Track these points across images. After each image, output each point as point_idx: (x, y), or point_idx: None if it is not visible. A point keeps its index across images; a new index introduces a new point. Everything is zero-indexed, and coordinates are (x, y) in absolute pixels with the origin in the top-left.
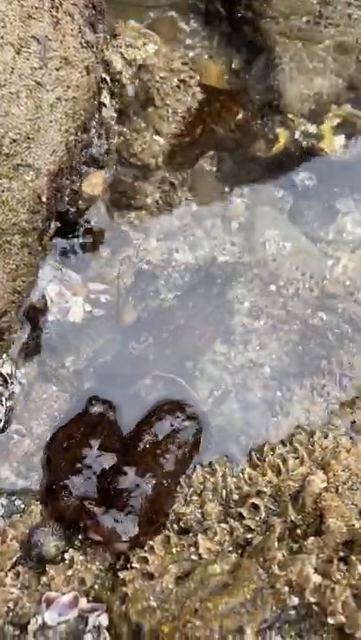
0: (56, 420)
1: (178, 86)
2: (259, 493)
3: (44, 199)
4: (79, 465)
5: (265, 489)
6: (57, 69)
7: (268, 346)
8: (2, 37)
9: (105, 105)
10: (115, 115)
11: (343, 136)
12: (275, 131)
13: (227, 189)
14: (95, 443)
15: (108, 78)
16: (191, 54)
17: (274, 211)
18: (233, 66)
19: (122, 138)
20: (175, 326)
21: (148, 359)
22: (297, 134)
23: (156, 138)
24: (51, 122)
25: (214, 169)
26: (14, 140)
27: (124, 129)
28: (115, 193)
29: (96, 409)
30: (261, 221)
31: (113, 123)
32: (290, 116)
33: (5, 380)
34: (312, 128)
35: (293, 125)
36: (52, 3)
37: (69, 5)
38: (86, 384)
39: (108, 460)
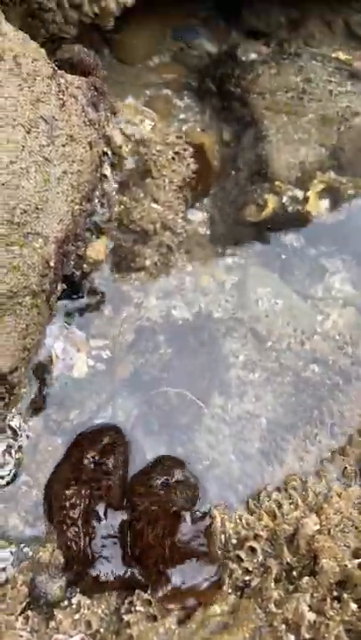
0: None
1: (173, 158)
2: (256, 537)
3: (51, 264)
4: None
5: (262, 533)
6: (63, 146)
7: (264, 398)
8: (14, 120)
9: (106, 176)
10: (116, 186)
11: (328, 200)
12: (264, 197)
13: (220, 251)
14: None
15: (109, 152)
16: (185, 128)
17: (265, 270)
18: (224, 137)
19: (122, 206)
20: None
21: None
22: (285, 199)
23: (154, 206)
24: (58, 193)
25: (208, 232)
26: (25, 211)
27: (125, 198)
28: (116, 256)
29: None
30: (253, 280)
31: (114, 193)
32: (277, 183)
33: (15, 433)
34: (299, 194)
35: (281, 191)
36: (58, 87)
37: (74, 89)
38: None
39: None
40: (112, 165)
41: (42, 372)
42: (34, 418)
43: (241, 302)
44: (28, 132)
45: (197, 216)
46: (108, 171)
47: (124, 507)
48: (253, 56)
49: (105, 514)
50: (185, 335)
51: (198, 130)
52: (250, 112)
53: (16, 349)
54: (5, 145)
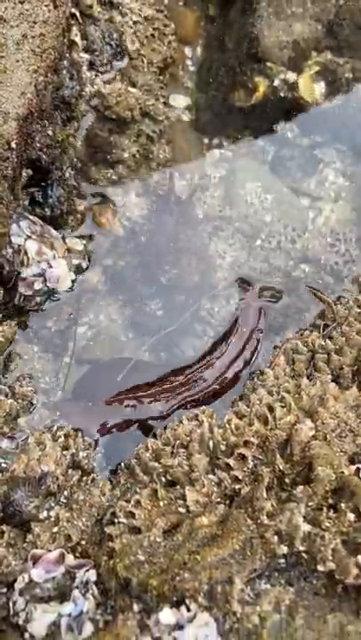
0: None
1: (152, 34)
2: (246, 444)
3: (13, 145)
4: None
5: (252, 439)
6: (20, 2)
7: None
8: None
9: (76, 44)
10: (87, 56)
11: (323, 84)
12: (253, 79)
13: (205, 141)
14: None
15: (77, 14)
16: (166, 1)
17: (254, 162)
18: (209, 12)
19: (95, 87)
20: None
21: None
22: (276, 82)
23: (132, 90)
24: (17, 61)
25: (193, 118)
26: None
27: (96, 78)
28: (90, 147)
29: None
30: (242, 174)
31: (84, 66)
32: (268, 64)
33: None
34: (291, 76)
35: (272, 74)
36: None
37: None
38: None
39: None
40: (81, 31)
41: (8, 275)
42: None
43: (229, 198)
44: None
45: (180, 101)
46: (77, 37)
47: None
48: None
49: None
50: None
51: (181, 3)
52: None
53: None
54: None
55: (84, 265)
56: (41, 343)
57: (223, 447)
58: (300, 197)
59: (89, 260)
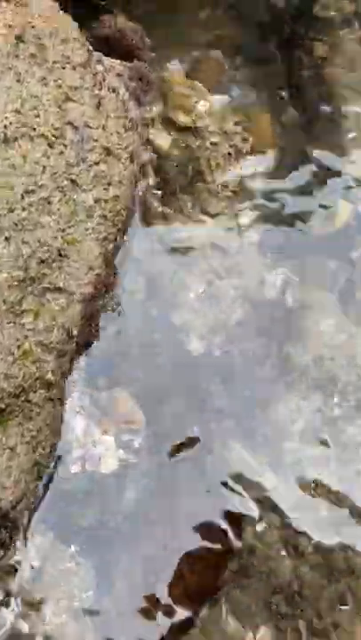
0: None
1: (230, 153)
2: None
3: (75, 333)
4: None
5: None
6: (97, 164)
7: None
8: (33, 129)
9: (150, 186)
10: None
11: None
12: (337, 203)
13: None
14: None
15: (154, 159)
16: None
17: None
18: (282, 119)
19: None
20: None
21: None
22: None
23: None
24: (87, 230)
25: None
26: (43, 261)
27: (168, 210)
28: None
29: None
30: None
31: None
32: (354, 187)
33: None
34: None
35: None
36: (94, 78)
37: (114, 78)
38: None
39: None
40: (155, 175)
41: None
42: None
43: None
44: (51, 146)
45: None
46: (151, 179)
47: None
48: (334, 13)
49: None
50: None
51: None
52: (323, 89)
53: (21, 471)
54: (21, 166)
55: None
56: None
57: None
58: None
59: None
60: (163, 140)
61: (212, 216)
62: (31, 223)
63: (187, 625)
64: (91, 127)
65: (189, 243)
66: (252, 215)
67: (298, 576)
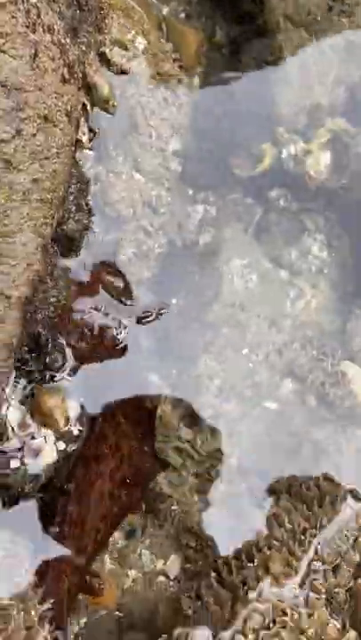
0: None
1: (165, 99)
2: None
3: (13, 342)
4: None
5: None
6: (34, 135)
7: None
8: None
9: (81, 142)
10: (91, 153)
11: (329, 154)
12: (260, 145)
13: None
14: None
15: (88, 106)
16: (165, 11)
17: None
18: (216, 37)
19: (98, 184)
20: None
21: None
22: (284, 153)
23: (137, 176)
24: (23, 217)
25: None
26: None
27: (100, 168)
28: None
29: None
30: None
31: (89, 168)
32: (280, 129)
33: None
34: (300, 147)
35: (282, 141)
36: (27, 18)
37: (47, 11)
38: None
39: None
40: (89, 128)
41: None
42: None
43: None
44: None
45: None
46: (85, 135)
47: None
48: None
49: None
50: None
51: (183, 16)
52: (263, 16)
53: None
54: None
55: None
56: None
57: None
58: None
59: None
60: (104, 88)
61: None
62: None
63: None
64: (26, 90)
65: None
66: None
67: None
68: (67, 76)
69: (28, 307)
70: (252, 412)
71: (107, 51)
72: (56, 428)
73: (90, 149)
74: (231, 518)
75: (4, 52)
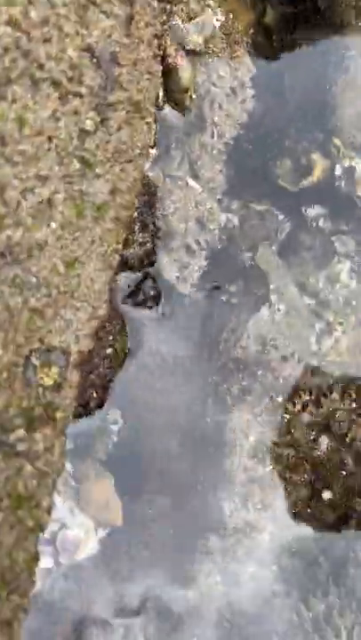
0: None
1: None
2: None
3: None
4: None
5: None
6: (119, 129)
7: None
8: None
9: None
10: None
11: None
12: (310, 155)
13: None
14: None
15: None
16: None
17: None
18: (265, 19)
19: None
20: None
21: None
22: (338, 170)
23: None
24: (93, 243)
25: None
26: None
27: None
28: None
29: None
30: None
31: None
32: (336, 140)
33: None
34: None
35: (336, 155)
36: None
37: None
38: None
39: None
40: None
41: None
42: None
43: None
44: (62, 97)
45: None
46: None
47: None
48: None
49: None
50: None
51: None
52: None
53: None
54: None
55: None
56: None
57: None
58: None
59: None
60: (185, 72)
61: None
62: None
63: None
64: (120, 63)
65: None
66: None
67: None
68: (157, 52)
69: (88, 361)
70: None
71: (180, 24)
72: None
73: (152, 147)
74: None
75: (95, 3)
